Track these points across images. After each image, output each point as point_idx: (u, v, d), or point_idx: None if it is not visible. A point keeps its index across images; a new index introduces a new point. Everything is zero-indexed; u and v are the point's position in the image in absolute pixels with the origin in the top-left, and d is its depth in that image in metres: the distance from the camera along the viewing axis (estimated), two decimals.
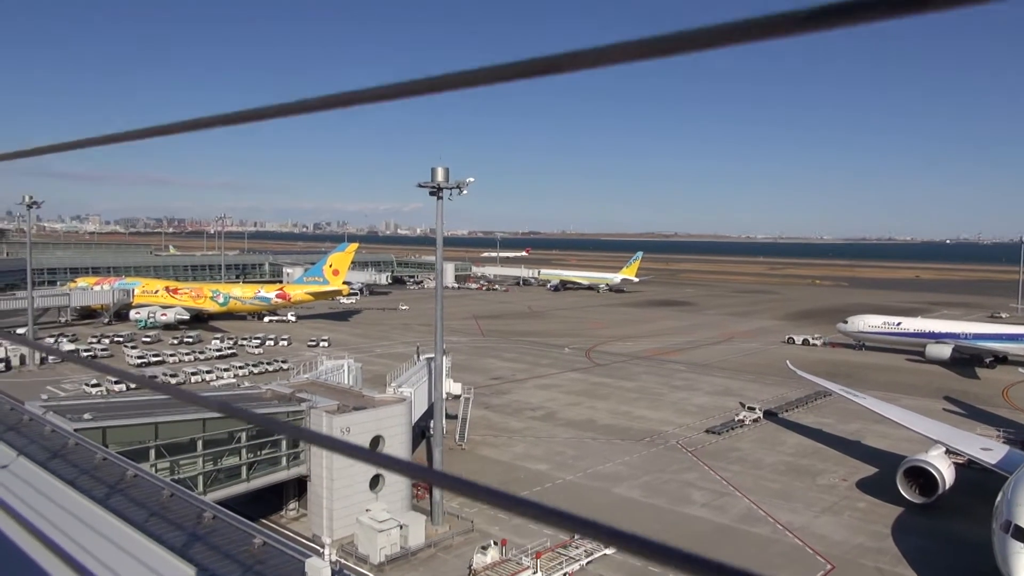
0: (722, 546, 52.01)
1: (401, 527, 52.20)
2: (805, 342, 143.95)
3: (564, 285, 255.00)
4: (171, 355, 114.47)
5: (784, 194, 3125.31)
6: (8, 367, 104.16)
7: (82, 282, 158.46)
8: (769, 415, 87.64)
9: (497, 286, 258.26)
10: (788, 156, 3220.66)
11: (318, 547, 47.61)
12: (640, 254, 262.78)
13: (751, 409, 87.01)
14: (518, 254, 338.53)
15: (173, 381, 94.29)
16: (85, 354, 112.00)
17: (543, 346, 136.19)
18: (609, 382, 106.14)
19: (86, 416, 50.33)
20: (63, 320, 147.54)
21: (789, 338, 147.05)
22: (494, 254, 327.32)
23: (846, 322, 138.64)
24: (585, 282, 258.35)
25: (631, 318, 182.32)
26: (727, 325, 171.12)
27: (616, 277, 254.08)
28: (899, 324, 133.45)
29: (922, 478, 59.29)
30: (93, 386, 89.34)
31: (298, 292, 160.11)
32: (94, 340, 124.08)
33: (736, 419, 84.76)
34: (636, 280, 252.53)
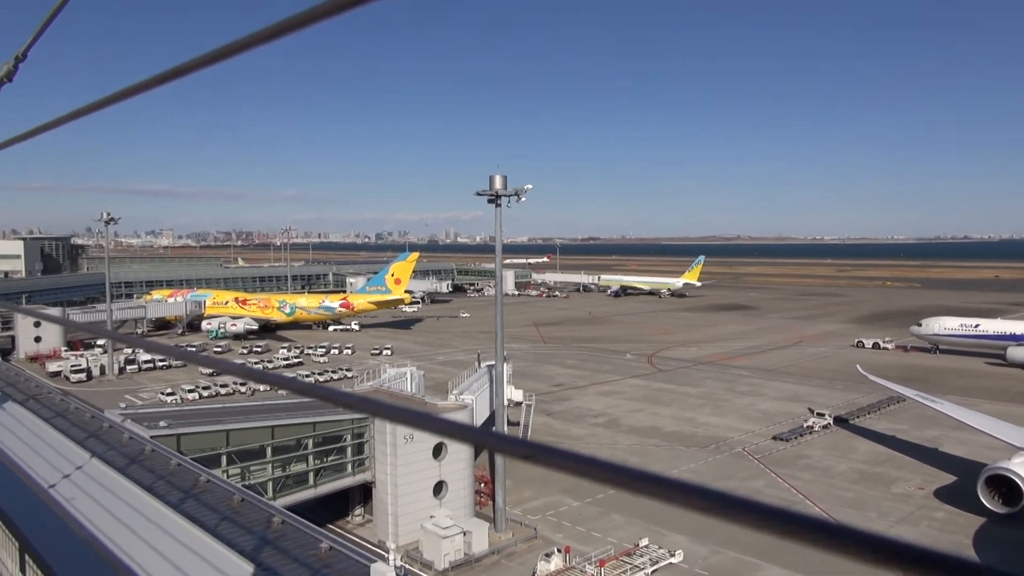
0: (793, 556, 50.61)
1: (465, 533, 52.46)
2: (876, 346, 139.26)
3: (625, 291, 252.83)
4: (240, 364, 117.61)
5: (852, 194, 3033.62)
6: (89, 377, 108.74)
7: (157, 294, 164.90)
8: (840, 421, 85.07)
9: (557, 293, 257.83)
10: (854, 154, 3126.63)
11: (383, 552, 48.24)
12: (702, 258, 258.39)
13: (820, 415, 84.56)
14: (540, 260, 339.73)
15: (243, 390, 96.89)
16: (161, 365, 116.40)
17: (604, 352, 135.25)
18: (672, 388, 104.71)
19: (162, 424, 52.25)
20: (140, 331, 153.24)
21: (859, 342, 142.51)
22: (518, 260, 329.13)
23: (920, 325, 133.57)
24: (646, 287, 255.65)
25: (694, 323, 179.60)
26: (793, 329, 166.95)
27: (678, 281, 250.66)
28: (977, 326, 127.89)
29: (1005, 487, 56.63)
30: (168, 395, 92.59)
31: (361, 301, 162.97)
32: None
33: (805, 425, 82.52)
34: (698, 284, 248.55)
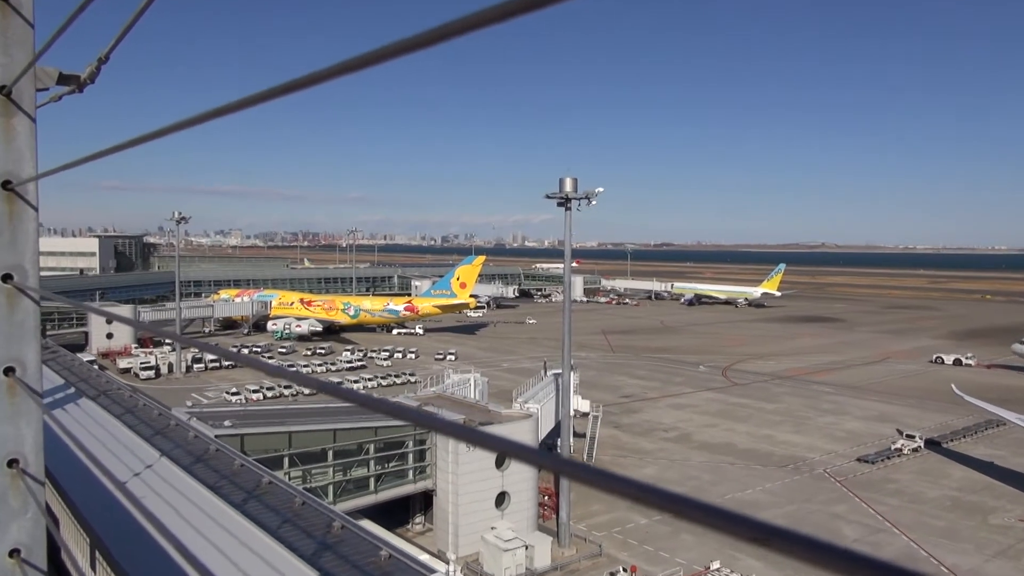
0: None
1: (527, 547, 50.87)
2: (957, 362, 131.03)
3: (699, 299, 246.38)
4: (304, 366, 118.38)
5: (947, 199, 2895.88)
6: (158, 374, 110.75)
7: (224, 294, 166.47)
8: (931, 444, 79.86)
9: (627, 300, 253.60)
10: (950, 156, 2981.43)
11: (443, 563, 46.80)
12: (783, 266, 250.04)
13: (910, 437, 79.51)
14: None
15: (305, 392, 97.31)
16: (227, 364, 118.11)
17: (676, 363, 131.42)
18: (748, 403, 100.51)
19: (226, 423, 52.22)
20: (207, 331, 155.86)
21: (937, 357, 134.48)
22: (547, 265, 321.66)
23: (1023, 343, 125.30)
24: (722, 296, 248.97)
25: (773, 335, 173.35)
26: (882, 344, 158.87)
27: (756, 291, 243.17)
28: None
29: None
30: (233, 394, 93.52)
31: (426, 305, 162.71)
32: (233, 350, 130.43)
33: (893, 447, 77.84)
34: (778, 294, 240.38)
